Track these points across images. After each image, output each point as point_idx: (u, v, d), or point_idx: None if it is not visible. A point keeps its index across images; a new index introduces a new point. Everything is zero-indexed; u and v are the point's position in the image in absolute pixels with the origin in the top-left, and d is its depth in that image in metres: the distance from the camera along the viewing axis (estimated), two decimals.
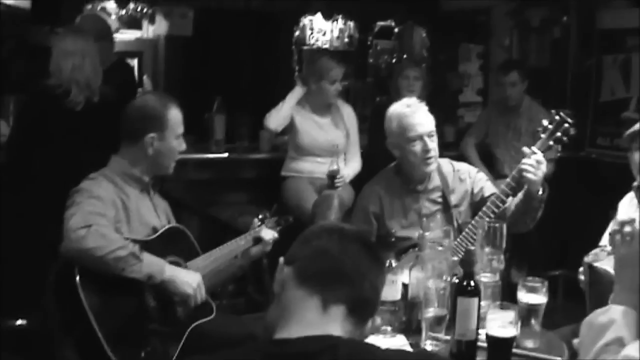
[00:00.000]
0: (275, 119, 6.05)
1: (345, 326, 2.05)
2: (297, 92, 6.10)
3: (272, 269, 4.35)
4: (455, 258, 3.58)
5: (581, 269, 3.73)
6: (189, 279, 3.51)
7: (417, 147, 4.18)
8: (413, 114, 4.23)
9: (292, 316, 2.04)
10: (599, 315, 2.39)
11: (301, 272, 2.09)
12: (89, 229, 3.25)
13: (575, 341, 2.71)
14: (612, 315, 2.35)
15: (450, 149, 7.28)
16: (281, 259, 2.15)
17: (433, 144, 4.21)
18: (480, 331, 3.01)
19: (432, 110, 7.63)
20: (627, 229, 2.52)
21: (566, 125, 3.99)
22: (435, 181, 4.32)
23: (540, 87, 7.52)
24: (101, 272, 3.27)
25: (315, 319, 2.03)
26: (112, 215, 3.46)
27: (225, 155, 6.63)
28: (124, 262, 3.28)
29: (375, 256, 2.16)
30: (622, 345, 2.25)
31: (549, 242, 6.56)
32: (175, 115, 3.74)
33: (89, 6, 7.89)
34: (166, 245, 3.63)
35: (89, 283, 3.26)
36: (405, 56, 9.49)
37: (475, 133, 7.28)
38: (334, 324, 2.03)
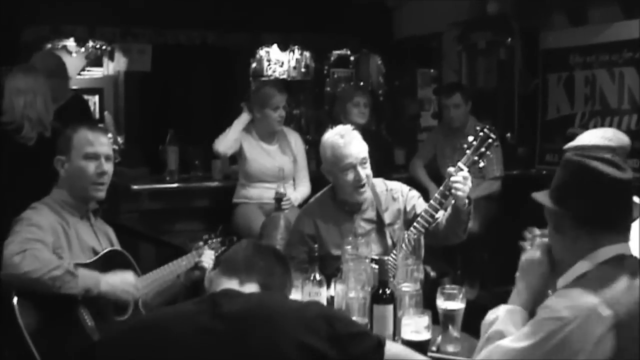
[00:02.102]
0: (223, 143, 6.20)
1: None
2: (244, 118, 6.25)
3: None
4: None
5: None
6: (124, 285, 3.66)
7: (350, 176, 4.30)
8: (347, 144, 4.33)
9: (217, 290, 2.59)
10: (490, 314, 2.64)
11: (223, 268, 2.68)
12: (23, 254, 3.38)
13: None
14: (498, 312, 2.61)
15: (401, 171, 7.48)
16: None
17: (365, 171, 4.33)
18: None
19: (388, 134, 7.81)
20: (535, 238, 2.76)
21: (490, 140, 4.10)
22: (369, 202, 4.43)
23: (488, 108, 7.73)
24: (39, 293, 3.39)
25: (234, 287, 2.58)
26: (51, 242, 3.59)
27: (179, 185, 6.80)
28: (60, 280, 3.40)
29: (282, 261, 2.77)
30: (502, 336, 2.46)
31: (501, 258, 6.69)
32: (82, 137, 3.84)
33: (49, 45, 8.02)
34: (106, 267, 3.73)
35: (27, 305, 3.38)
36: (362, 83, 9.70)
37: (423, 155, 7.46)
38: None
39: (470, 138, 4.15)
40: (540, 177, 7.32)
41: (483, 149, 4.10)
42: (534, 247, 2.74)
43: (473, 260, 6.72)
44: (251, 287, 2.58)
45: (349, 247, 3.73)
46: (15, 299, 3.37)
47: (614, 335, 2.29)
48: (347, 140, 4.36)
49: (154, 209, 6.58)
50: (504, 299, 2.80)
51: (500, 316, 2.58)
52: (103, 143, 3.91)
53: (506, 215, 6.90)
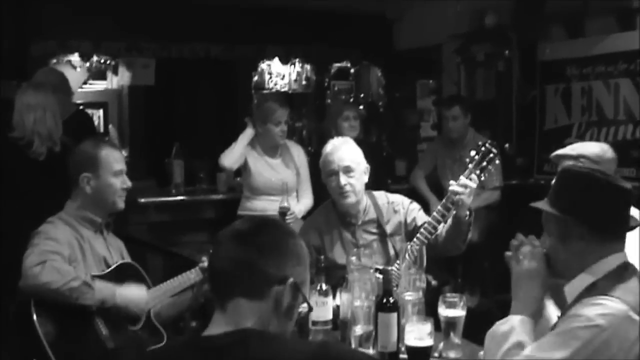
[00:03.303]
0: (229, 158, 6.31)
1: (252, 310, 2.23)
2: (248, 132, 6.37)
3: None
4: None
5: None
6: (137, 299, 3.83)
7: (333, 182, 4.42)
8: (333, 151, 4.46)
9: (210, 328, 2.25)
10: (500, 325, 2.69)
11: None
12: (43, 265, 3.53)
13: (481, 353, 2.98)
14: (512, 323, 2.66)
15: (402, 182, 7.59)
16: None
17: (349, 180, 4.40)
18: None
19: (388, 146, 7.86)
20: (523, 249, 2.80)
21: (491, 155, 4.17)
22: (371, 214, 4.52)
23: (487, 119, 7.85)
24: (57, 303, 3.54)
25: (221, 320, 2.23)
26: (67, 254, 3.72)
27: (185, 197, 6.93)
28: (78, 291, 3.56)
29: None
30: (522, 347, 2.56)
31: (500, 267, 6.78)
32: (107, 154, 3.99)
33: (54, 60, 8.14)
34: (119, 279, 3.87)
35: (44, 314, 3.54)
36: (362, 95, 9.82)
37: (424, 166, 7.56)
38: (239, 316, 2.22)
39: (473, 152, 4.20)
40: (539, 186, 7.40)
41: (485, 163, 4.16)
42: (528, 256, 2.79)
43: (473, 269, 6.80)
44: (235, 305, 2.24)
45: (353, 257, 3.84)
46: (33, 309, 3.50)
47: None
48: (335, 148, 4.49)
49: (161, 221, 6.72)
50: (504, 307, 2.87)
51: (515, 327, 2.63)
52: (123, 159, 4.10)
53: (506, 225, 7.00)
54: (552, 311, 2.90)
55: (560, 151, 4.37)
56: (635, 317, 2.42)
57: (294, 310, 2.34)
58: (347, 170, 4.41)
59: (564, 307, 2.72)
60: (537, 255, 2.75)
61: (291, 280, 2.28)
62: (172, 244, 6.43)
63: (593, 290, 2.54)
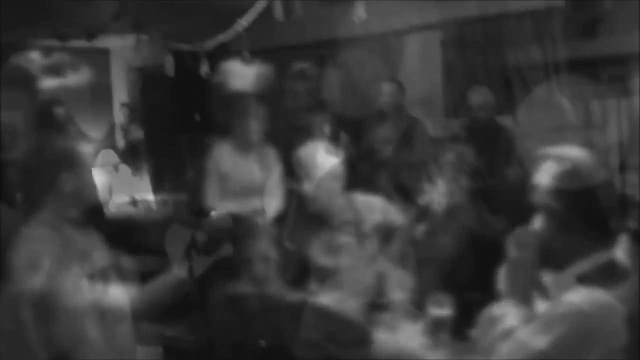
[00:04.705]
0: None
1: None
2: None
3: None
4: None
5: None
6: (125, 302, 3.80)
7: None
8: (301, 157, 4.55)
9: None
10: (495, 309, 2.79)
11: None
12: (34, 270, 3.46)
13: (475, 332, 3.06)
14: (505, 308, 2.76)
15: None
16: None
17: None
18: None
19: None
20: (516, 237, 2.89)
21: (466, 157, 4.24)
22: (347, 215, 4.55)
23: None
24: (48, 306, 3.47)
25: None
26: (53, 255, 3.66)
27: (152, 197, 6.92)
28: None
29: None
30: (512, 333, 2.65)
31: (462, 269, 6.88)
32: (86, 153, 3.91)
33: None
34: (104, 278, 3.79)
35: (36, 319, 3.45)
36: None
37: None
38: None
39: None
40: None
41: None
42: (520, 245, 2.87)
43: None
44: None
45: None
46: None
47: (627, 328, 2.51)
48: (303, 154, 4.57)
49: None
50: (466, 307, 2.96)
51: (507, 313, 2.74)
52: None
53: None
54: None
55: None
56: (620, 307, 2.51)
57: None
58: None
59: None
60: (527, 245, 2.84)
61: None
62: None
63: (581, 282, 2.63)
